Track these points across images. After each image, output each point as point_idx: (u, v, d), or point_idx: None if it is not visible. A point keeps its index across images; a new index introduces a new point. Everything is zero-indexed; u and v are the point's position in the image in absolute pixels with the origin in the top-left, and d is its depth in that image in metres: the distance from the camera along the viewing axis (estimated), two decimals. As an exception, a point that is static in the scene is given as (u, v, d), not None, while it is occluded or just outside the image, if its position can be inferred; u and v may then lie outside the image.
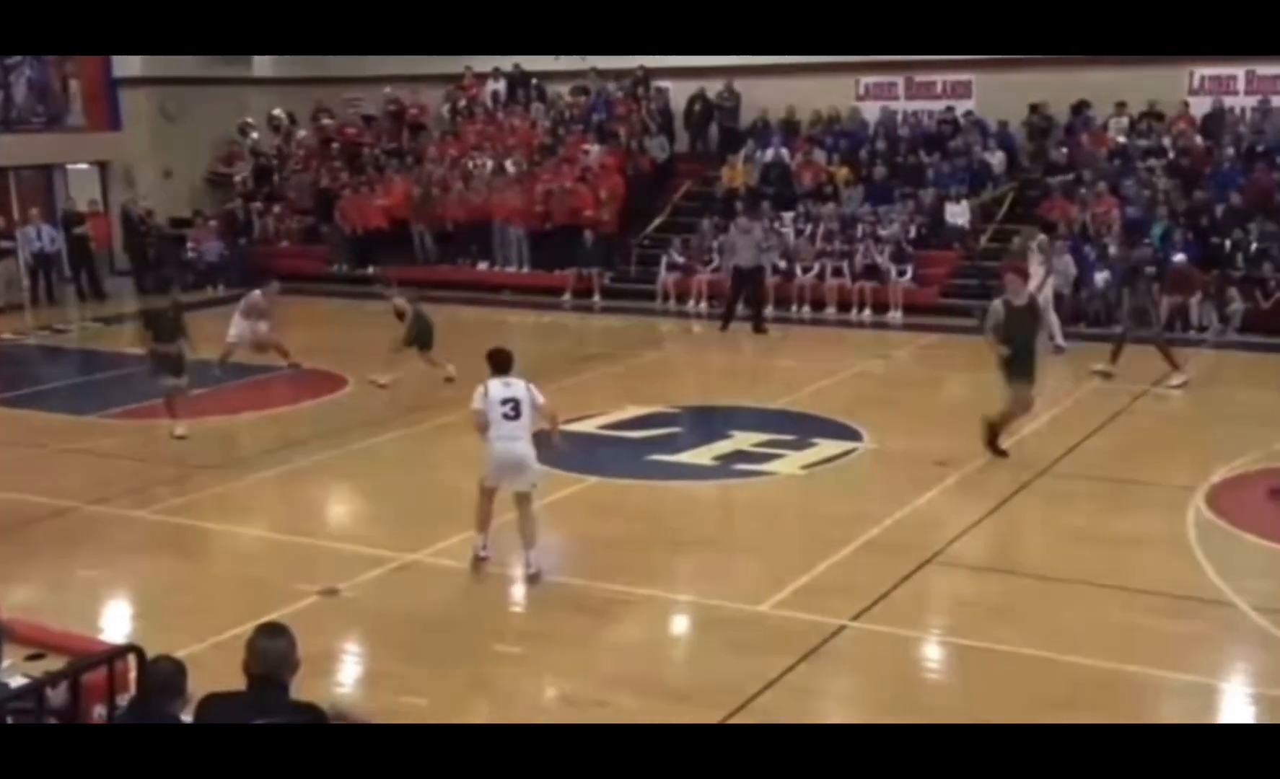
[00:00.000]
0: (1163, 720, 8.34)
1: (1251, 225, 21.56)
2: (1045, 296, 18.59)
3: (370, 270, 15.68)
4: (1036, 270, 18.86)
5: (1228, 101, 24.76)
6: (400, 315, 17.89)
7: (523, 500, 10.57)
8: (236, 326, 18.28)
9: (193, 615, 9.79)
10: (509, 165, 27.91)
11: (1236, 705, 8.68)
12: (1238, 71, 24.73)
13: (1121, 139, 24.87)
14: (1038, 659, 9.03)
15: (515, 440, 10.36)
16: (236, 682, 5.38)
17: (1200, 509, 12.04)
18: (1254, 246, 21.06)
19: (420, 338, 17.64)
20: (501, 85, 30.69)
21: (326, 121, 31.79)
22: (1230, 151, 23.52)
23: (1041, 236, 20.66)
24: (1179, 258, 21.08)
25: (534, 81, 30.24)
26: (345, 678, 9.18)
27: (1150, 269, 18.94)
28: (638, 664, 9.25)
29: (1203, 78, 24.99)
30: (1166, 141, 24.36)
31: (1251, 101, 24.66)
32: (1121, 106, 25.19)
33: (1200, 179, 23.25)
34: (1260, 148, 23.46)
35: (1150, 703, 8.65)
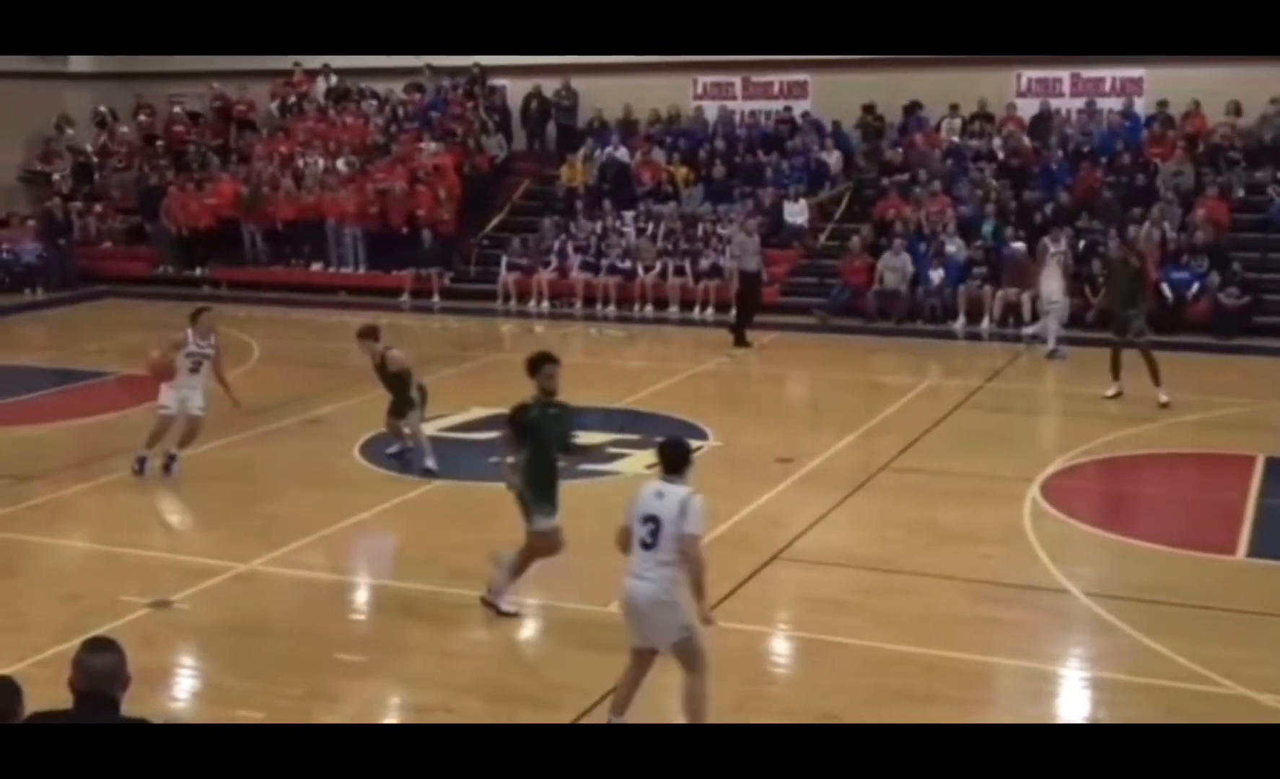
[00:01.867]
0: (1004, 707, 8.60)
1: (1079, 223, 22.36)
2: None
3: (360, 330, 13.97)
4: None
5: (1054, 103, 25.69)
6: (390, 371, 13.78)
7: (678, 660, 7.88)
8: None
9: (10, 633, 9.39)
10: (341, 164, 27.47)
11: (1072, 689, 8.97)
12: (1063, 74, 25.67)
13: (954, 139, 25.59)
14: (882, 650, 9.21)
15: (641, 578, 7.71)
16: (63, 701, 5.16)
17: (1036, 500, 12.43)
18: (1081, 244, 21.83)
19: (417, 401, 13.84)
20: (333, 81, 30.20)
21: (147, 118, 30.90)
22: (1058, 152, 24.37)
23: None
24: (1017, 246, 21.82)
25: (359, 83, 29.88)
26: (179, 692, 8.90)
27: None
28: (484, 669, 9.16)
29: (1030, 80, 25.87)
30: (996, 142, 25.14)
31: (1077, 103, 25.62)
32: (954, 108, 25.92)
33: (1029, 179, 24.05)
34: (1086, 149, 24.37)
35: (991, 690, 8.89)
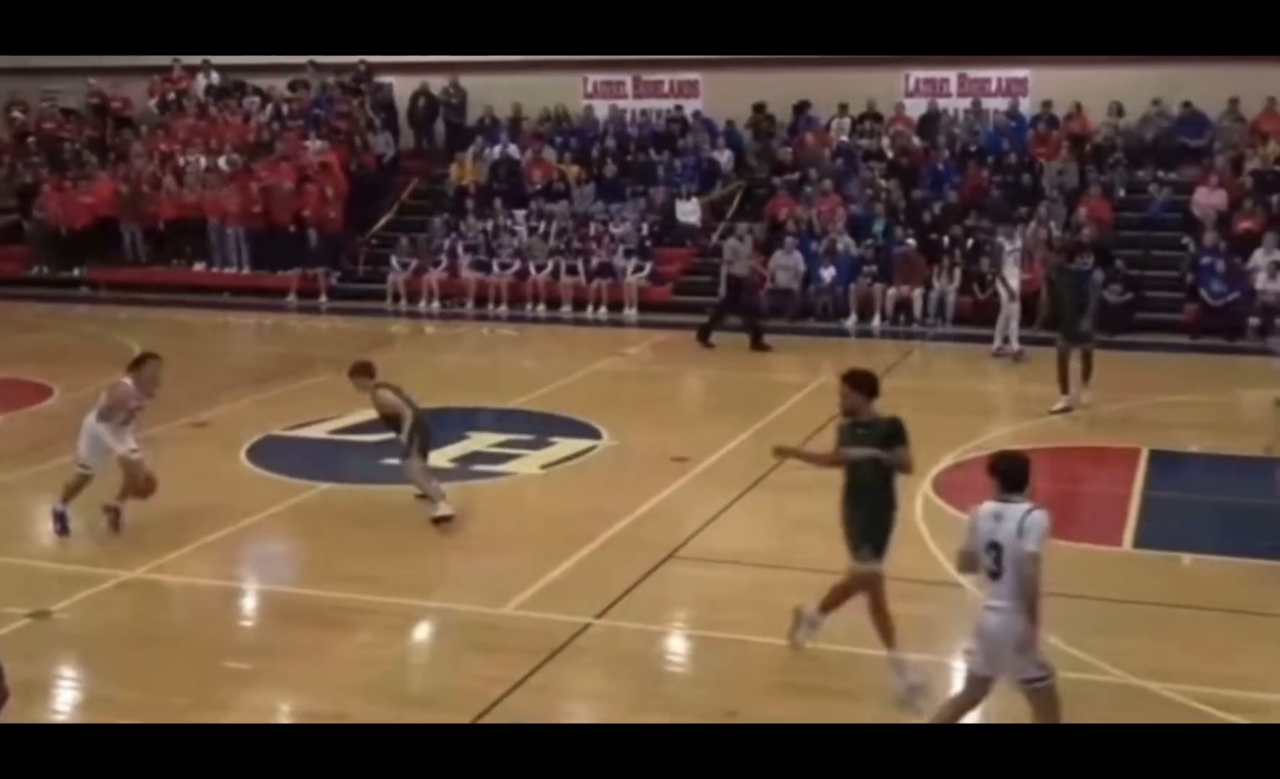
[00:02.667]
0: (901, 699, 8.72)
1: (967, 222, 22.78)
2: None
3: (351, 367, 12.39)
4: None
5: (942, 103, 26.14)
6: (379, 412, 12.39)
7: (1029, 701, 7.33)
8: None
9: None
10: (223, 162, 27.00)
11: (965, 681, 9.10)
12: (950, 75, 26.14)
13: (843, 139, 25.92)
14: (780, 646, 9.27)
15: (994, 611, 7.21)
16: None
17: (928, 496, 12.62)
18: (969, 242, 22.25)
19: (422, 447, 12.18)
20: (213, 78, 29.68)
21: (19, 115, 30.08)
22: (945, 152, 24.80)
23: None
24: (909, 242, 22.17)
25: (241, 79, 29.42)
26: (61, 705, 8.67)
27: (1099, 280, 17.70)
28: (378, 673, 9.05)
29: (918, 80, 26.30)
30: (886, 142, 25.52)
31: (964, 103, 26.10)
32: (843, 107, 26.25)
33: (918, 178, 24.44)
34: (973, 148, 24.84)
35: (888, 684, 8.98)
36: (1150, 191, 23.51)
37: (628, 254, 23.89)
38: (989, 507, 7.18)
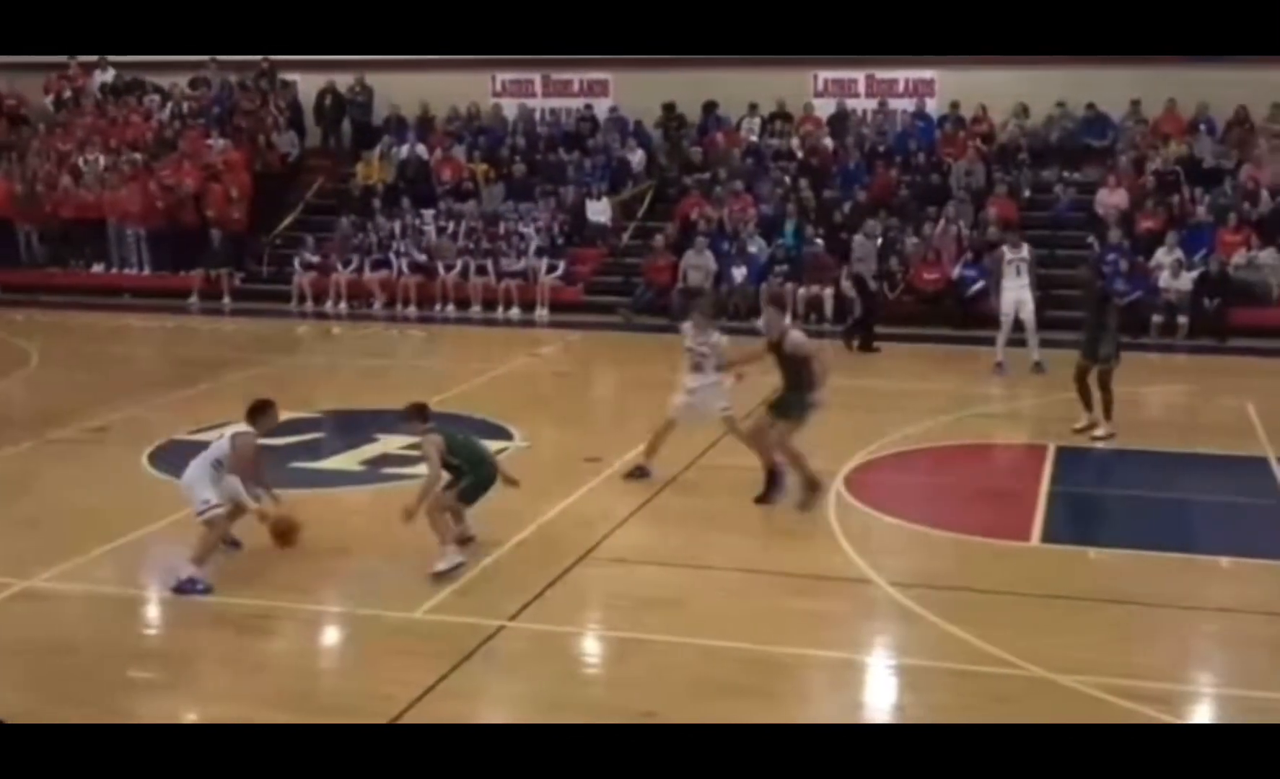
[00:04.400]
0: (815, 697, 8.80)
1: (877, 220, 23.01)
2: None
3: (404, 411, 11.28)
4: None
5: (850, 103, 26.43)
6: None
7: None
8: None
9: None
10: (123, 162, 26.53)
11: (879, 677, 9.22)
12: (858, 75, 26.45)
13: (753, 138, 26.11)
14: (695, 647, 9.31)
15: None
16: None
17: (840, 493, 12.75)
18: (880, 241, 22.49)
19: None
20: (110, 76, 29.15)
21: (-90, 111, 29.38)
22: (855, 152, 25.07)
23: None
24: (818, 243, 22.40)
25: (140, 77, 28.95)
26: (-45, 719, 8.45)
27: (1119, 298, 16.78)
28: (289, 680, 8.95)
29: (826, 80, 26.58)
30: (795, 142, 25.74)
31: (872, 104, 26.40)
32: (753, 107, 26.44)
33: (828, 178, 24.68)
34: (882, 148, 25.14)
35: (802, 681, 9.08)
36: (1055, 191, 23.97)
37: (538, 254, 23.85)
38: None
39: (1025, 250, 18.61)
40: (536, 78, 27.94)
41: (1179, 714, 8.52)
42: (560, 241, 24.31)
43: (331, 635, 10.01)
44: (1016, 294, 18.27)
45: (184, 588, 10.16)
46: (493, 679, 9.08)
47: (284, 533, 10.83)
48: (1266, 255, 21.44)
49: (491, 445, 14.36)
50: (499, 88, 28.12)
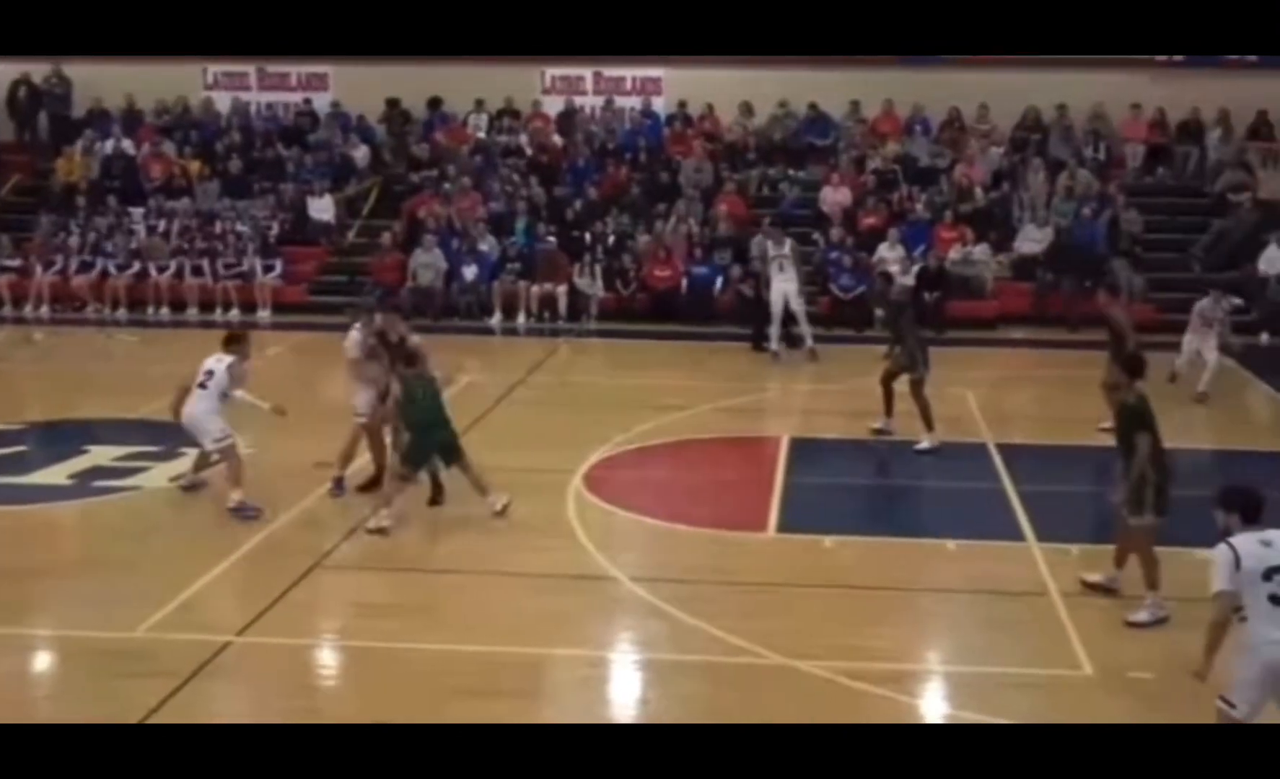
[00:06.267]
0: (562, 697, 8.82)
1: (609, 218, 23.30)
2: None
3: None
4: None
5: (578, 101, 26.62)
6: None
7: None
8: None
9: None
10: None
11: (625, 673, 9.30)
12: (585, 73, 26.68)
13: (481, 135, 26.03)
14: (440, 652, 9.22)
15: None
16: None
17: (579, 491, 12.83)
18: (612, 238, 22.77)
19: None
20: None
21: None
22: (585, 149, 25.28)
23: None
24: (551, 240, 22.50)
25: None
26: None
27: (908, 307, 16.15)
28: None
29: (554, 77, 26.70)
30: (524, 139, 25.78)
31: (599, 101, 26.68)
32: (480, 103, 26.36)
33: (559, 175, 24.81)
34: (611, 146, 25.43)
35: (549, 681, 9.10)
36: (782, 189, 24.71)
37: (258, 253, 23.18)
38: (1251, 535, 6.93)
39: (788, 247, 19.72)
40: (251, 70, 27.11)
41: (910, 693, 8.90)
42: (278, 241, 23.64)
43: (43, 661, 9.49)
44: (783, 287, 19.38)
45: (240, 511, 11.80)
46: (219, 699, 8.76)
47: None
48: (980, 250, 22.62)
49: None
50: (211, 80, 27.19)
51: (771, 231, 20.25)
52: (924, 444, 14.36)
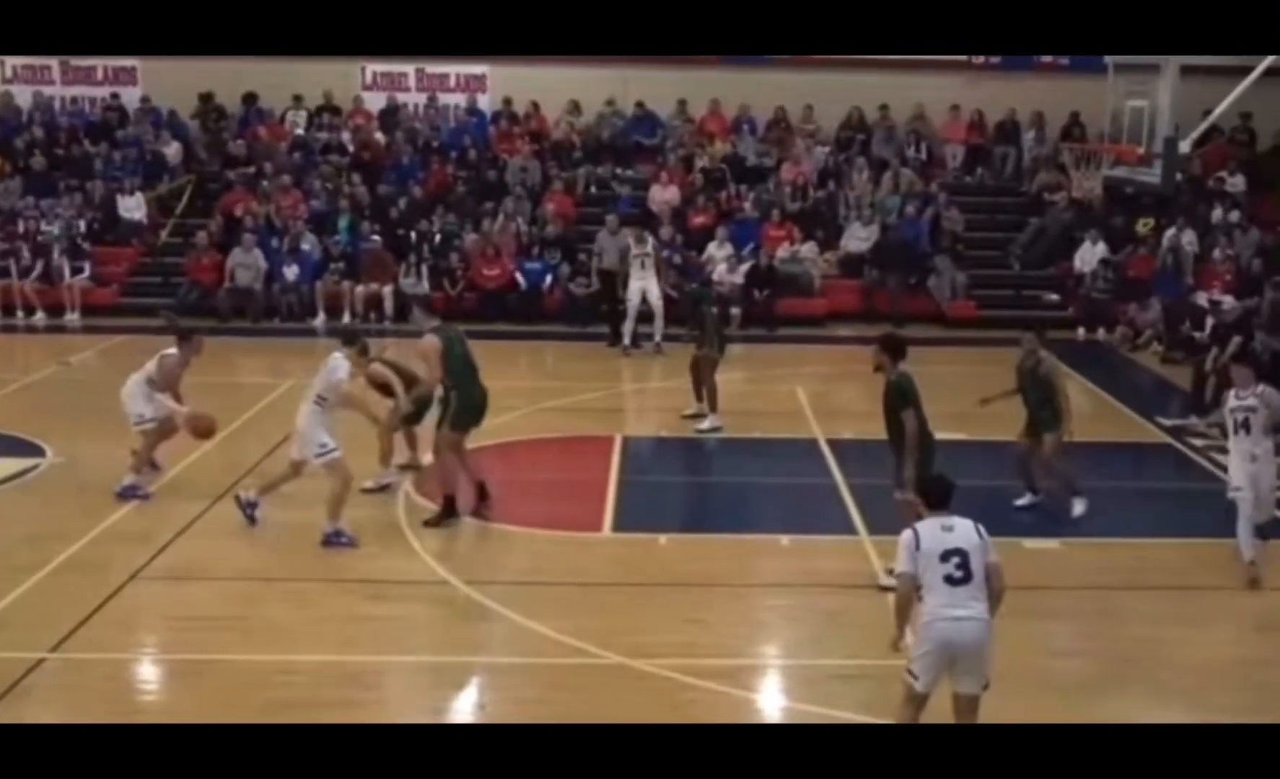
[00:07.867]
0: (396, 704, 8.74)
1: (435, 217, 23.13)
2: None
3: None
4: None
5: (401, 98, 26.39)
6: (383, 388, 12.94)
7: (969, 707, 7.35)
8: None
9: None
10: None
11: (461, 678, 9.23)
12: (408, 69, 26.46)
13: (300, 132, 25.62)
14: (268, 663, 9.06)
15: (967, 616, 7.22)
16: None
17: (409, 493, 12.74)
18: (438, 237, 22.61)
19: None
20: None
21: None
22: (408, 146, 25.06)
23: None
24: (375, 239, 22.24)
25: None
26: None
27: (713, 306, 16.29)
28: None
29: (375, 74, 26.41)
30: (346, 136, 25.45)
31: (422, 98, 26.48)
32: (298, 99, 25.94)
33: (382, 173, 24.54)
34: (435, 144, 25.26)
35: (384, 688, 9.02)
36: (612, 188, 24.83)
37: (64, 254, 22.41)
38: (933, 521, 7.45)
39: (649, 245, 20.32)
40: (54, 63, 26.22)
41: (745, 687, 9.06)
42: (86, 241, 22.89)
43: None
44: (642, 284, 19.98)
45: (126, 493, 12.27)
46: (35, 719, 8.45)
47: (202, 430, 12.66)
48: (807, 249, 23.04)
49: (19, 464, 13.45)
50: (10, 74, 26.24)
51: (632, 230, 20.64)
52: (706, 424, 15.20)
